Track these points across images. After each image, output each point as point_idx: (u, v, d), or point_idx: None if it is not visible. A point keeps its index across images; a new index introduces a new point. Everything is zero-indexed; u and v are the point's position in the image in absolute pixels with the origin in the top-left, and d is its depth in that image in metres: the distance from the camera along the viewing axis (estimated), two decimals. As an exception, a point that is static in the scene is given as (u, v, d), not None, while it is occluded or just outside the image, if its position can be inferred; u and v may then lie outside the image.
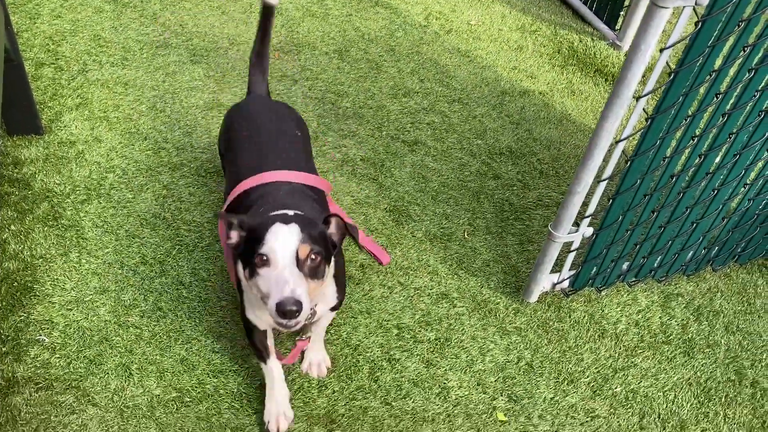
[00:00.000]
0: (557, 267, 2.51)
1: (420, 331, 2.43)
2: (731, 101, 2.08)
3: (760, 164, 2.38)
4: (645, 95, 1.94)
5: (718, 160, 2.27)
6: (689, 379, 2.40)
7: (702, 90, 2.00)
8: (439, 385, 2.27)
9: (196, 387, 2.18)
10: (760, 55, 1.98)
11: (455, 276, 2.64)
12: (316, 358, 2.25)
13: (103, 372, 2.18)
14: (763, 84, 2.05)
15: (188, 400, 2.14)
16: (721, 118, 2.11)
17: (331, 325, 2.38)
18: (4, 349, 2.20)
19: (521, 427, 2.19)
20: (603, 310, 2.58)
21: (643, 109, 2.00)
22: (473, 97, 3.55)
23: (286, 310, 1.56)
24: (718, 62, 1.94)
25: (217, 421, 2.10)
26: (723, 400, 2.36)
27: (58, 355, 2.21)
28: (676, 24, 1.89)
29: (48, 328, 2.28)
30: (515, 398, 2.27)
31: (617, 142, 2.08)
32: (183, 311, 2.38)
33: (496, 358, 2.38)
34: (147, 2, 3.83)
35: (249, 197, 2.04)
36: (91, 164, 2.87)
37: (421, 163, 3.12)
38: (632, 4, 3.82)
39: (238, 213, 1.95)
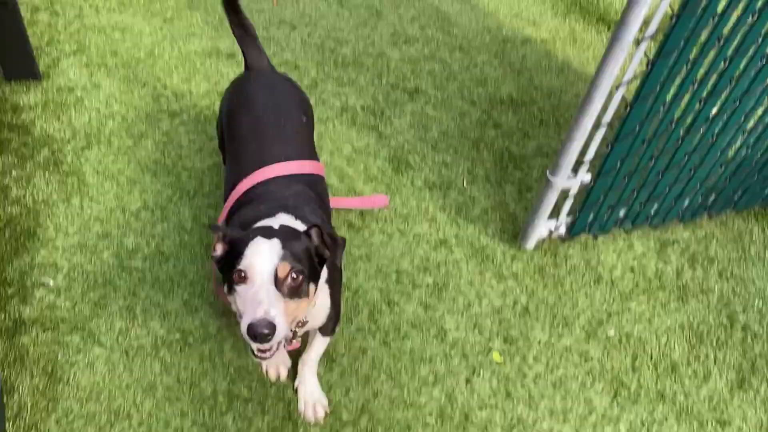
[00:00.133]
0: (554, 214, 2.53)
1: (419, 276, 2.47)
2: (733, 45, 2.07)
3: (759, 111, 2.38)
4: (645, 39, 1.93)
5: (718, 106, 2.26)
6: (682, 323, 2.45)
7: (704, 35, 1.98)
8: (437, 327, 2.32)
9: (199, 328, 2.23)
10: (764, -2, 1.96)
11: (454, 223, 2.67)
12: (311, 399, 2.07)
13: (108, 314, 2.23)
14: (766, 28, 2.03)
15: (191, 341, 2.20)
16: (722, 63, 2.10)
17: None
18: (10, 291, 2.25)
19: (516, 367, 2.25)
20: (599, 257, 2.62)
21: (645, 52, 1.99)
22: (474, 45, 3.52)
23: (257, 333, 1.43)
24: (722, 5, 1.92)
25: (220, 360, 2.16)
26: (714, 343, 2.41)
27: (63, 298, 2.25)
28: (680, -35, 1.86)
29: (53, 272, 2.32)
30: (511, 340, 2.32)
31: (617, 88, 2.08)
32: (185, 256, 2.42)
33: (493, 302, 2.42)
34: (142, -54, 3.76)
35: (246, 196, 1.93)
36: (91, 110, 2.86)
37: (421, 112, 3.11)
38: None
39: (238, 213, 1.87)
